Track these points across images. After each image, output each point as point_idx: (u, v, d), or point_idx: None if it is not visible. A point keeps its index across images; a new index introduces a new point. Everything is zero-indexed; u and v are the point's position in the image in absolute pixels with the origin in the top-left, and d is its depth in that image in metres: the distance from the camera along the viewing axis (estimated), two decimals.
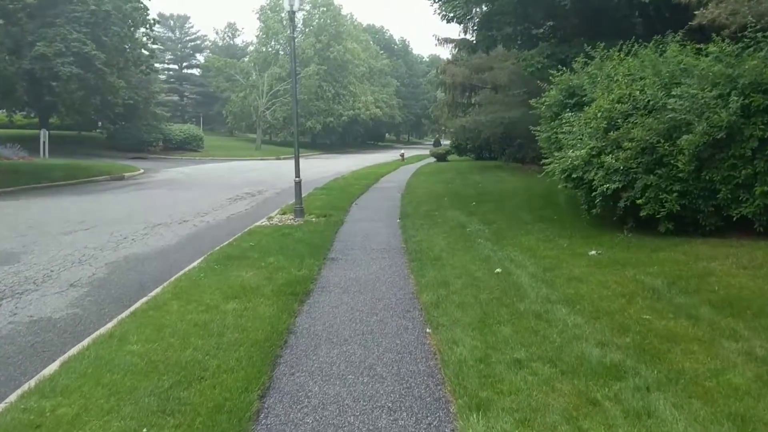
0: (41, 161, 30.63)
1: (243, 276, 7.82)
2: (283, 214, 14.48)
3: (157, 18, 25.00)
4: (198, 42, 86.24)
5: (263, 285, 7.33)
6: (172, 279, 7.87)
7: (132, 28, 23.42)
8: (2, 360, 5.45)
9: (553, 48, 13.95)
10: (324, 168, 35.16)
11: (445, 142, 56.29)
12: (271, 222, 13.34)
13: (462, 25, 28.02)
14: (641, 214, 8.99)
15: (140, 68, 24.84)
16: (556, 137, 10.81)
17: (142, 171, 30.60)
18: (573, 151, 9.65)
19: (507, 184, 19.85)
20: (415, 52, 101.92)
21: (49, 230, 12.40)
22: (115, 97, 26.72)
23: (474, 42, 15.70)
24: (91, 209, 15.87)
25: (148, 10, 24.16)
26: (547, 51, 13.87)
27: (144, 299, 7.02)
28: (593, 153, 9.38)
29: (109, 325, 5.96)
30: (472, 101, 29.45)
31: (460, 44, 29.91)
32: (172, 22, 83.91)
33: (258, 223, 13.21)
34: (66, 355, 5.10)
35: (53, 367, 4.87)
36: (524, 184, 19.53)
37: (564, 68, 11.41)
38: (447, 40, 30.34)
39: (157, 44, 27.24)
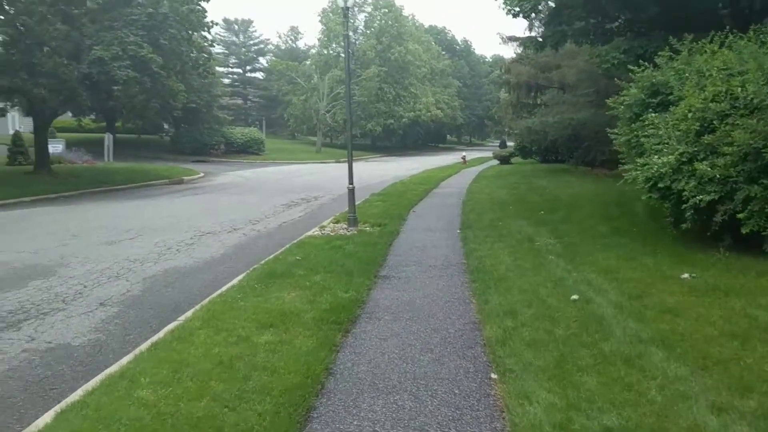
0: (104, 165, 31.11)
1: (284, 298, 7.02)
2: (337, 222, 13.71)
3: (215, 21, 24.74)
4: (261, 46, 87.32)
5: (304, 310, 6.50)
6: (206, 301, 7.14)
7: (189, 31, 23.20)
8: (2, 400, 4.79)
9: (630, 42, 12.66)
10: (383, 171, 34.37)
11: (509, 144, 54.73)
12: (323, 232, 12.58)
13: (528, 21, 26.81)
14: (743, 231, 7.71)
15: (198, 71, 24.62)
16: (637, 141, 9.60)
17: (201, 174, 30.61)
18: (659, 157, 8.44)
19: (576, 189, 18.50)
20: (477, 52, 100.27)
21: (93, 239, 12.00)
22: (175, 100, 26.59)
23: (541, 39, 14.52)
24: (143, 215, 15.53)
25: (205, 12, 23.94)
26: (623, 46, 12.58)
27: (171, 325, 6.30)
28: (683, 159, 8.14)
29: (124, 360, 5.23)
30: (538, 101, 28.06)
31: (526, 42, 28.57)
32: (236, 27, 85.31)
33: (309, 233, 12.47)
34: (65, 402, 4.38)
35: (47, 418, 4.15)
36: (595, 189, 18.14)
37: (646, 63, 10.16)
38: (512, 39, 29.08)
39: (215, 46, 26.86)
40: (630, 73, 10.28)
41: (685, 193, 7.96)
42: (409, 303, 7.10)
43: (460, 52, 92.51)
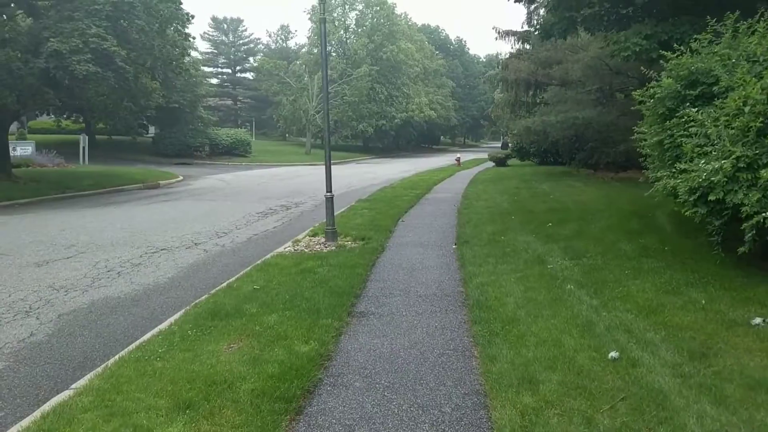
0: (75, 168, 29.20)
1: (220, 354, 5.22)
2: (314, 236, 11.91)
3: (191, 15, 22.77)
4: (251, 45, 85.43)
5: (242, 376, 4.70)
6: (114, 360, 5.31)
7: (161, 23, 21.32)
8: None
9: (652, 27, 10.91)
10: (373, 174, 32.57)
11: (498, 145, 53.01)
12: (297, 248, 10.77)
13: (527, 9, 25.07)
14: None
15: (170, 67, 22.72)
16: (672, 141, 7.85)
17: (180, 178, 28.76)
18: (706, 162, 6.67)
19: (584, 196, 16.73)
20: (471, 52, 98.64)
21: (23, 258, 10.14)
22: (149, 99, 24.67)
23: (547, 27, 12.75)
24: (96, 227, 13.67)
25: (180, 3, 22.07)
26: (645, 31, 10.84)
27: (55, 400, 4.50)
28: (741, 165, 6.37)
29: None
30: (537, 100, 26.33)
31: (524, 36, 26.90)
32: (225, 26, 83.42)
33: (280, 249, 10.68)
34: None
35: None
36: (604, 196, 16.38)
37: (681, 48, 8.40)
38: (509, 33, 27.36)
39: (189, 40, 24.91)
40: (663, 60, 8.52)
41: (745, 208, 6.18)
42: (390, 357, 5.31)
43: (454, 52, 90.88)
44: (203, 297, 7.37)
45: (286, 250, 10.68)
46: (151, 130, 51.22)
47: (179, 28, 22.27)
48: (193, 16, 23.01)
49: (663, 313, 5.95)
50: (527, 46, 26.56)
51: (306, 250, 10.59)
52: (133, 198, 20.44)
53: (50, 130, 46.20)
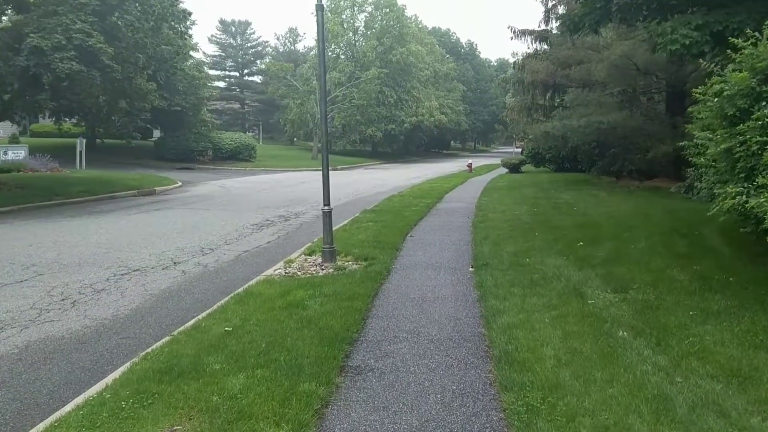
0: (69, 174, 27.84)
1: None
2: (310, 254, 10.45)
3: (188, 11, 21.40)
4: (259, 48, 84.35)
5: None
6: None
7: (156, 20, 19.96)
8: None
9: (703, 17, 9.38)
10: (381, 181, 31.11)
11: (519, 150, 51.46)
12: (288, 270, 9.31)
13: (545, 6, 23.55)
14: None
15: (164, 67, 21.34)
16: (747, 150, 6.31)
17: (179, 184, 27.37)
18: None
19: (612, 207, 15.18)
20: (482, 56, 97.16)
21: None
22: (144, 101, 23.32)
23: (576, 19, 11.21)
24: (68, 241, 12.25)
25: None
26: (695, 21, 9.32)
27: None
28: None
29: None
30: (555, 103, 24.77)
31: (541, 36, 25.39)
32: (233, 28, 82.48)
33: (269, 272, 9.23)
34: None
35: None
36: (635, 208, 14.83)
37: (757, 34, 6.86)
38: (525, 33, 25.84)
39: (186, 39, 23.53)
40: (732, 50, 6.98)
41: None
42: None
43: (465, 55, 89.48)
44: (161, 342, 5.90)
45: (276, 272, 9.21)
46: (156, 133, 50.12)
47: (174, 25, 20.86)
48: (190, 13, 21.64)
49: (762, 382, 4.42)
50: (545, 46, 25.02)
51: (299, 273, 9.13)
52: (123, 206, 19.05)
53: (52, 134, 45.05)
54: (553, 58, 21.78)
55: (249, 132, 78.26)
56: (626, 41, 17.96)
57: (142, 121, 46.87)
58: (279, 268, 9.49)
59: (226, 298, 7.57)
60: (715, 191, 7.28)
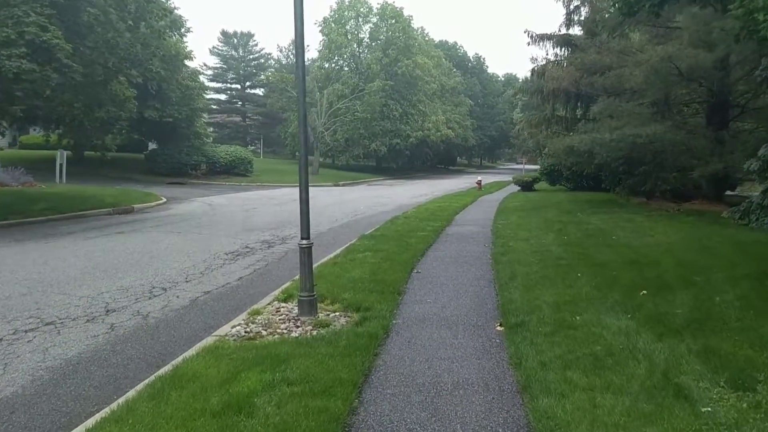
0: (42, 189, 25.43)
1: None
2: (286, 300, 7.98)
3: (175, 5, 19.16)
4: (262, 60, 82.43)
5: None
6: None
7: (134, 19, 17.64)
8: None
9: None
10: (385, 198, 28.68)
11: (529, 167, 49.01)
12: (250, 327, 6.84)
13: (566, 9, 21.22)
14: None
15: (139, 70, 18.96)
16: None
17: (163, 201, 24.96)
18: None
19: (659, 237, 12.65)
20: (489, 71, 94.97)
21: None
22: (122, 109, 20.95)
23: (632, 1, 8.77)
24: None
25: None
26: None
27: None
28: None
29: None
30: (577, 114, 22.32)
31: (563, 41, 23.00)
32: (235, 40, 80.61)
33: (223, 330, 6.77)
34: None
35: None
36: (689, 238, 12.32)
37: None
38: (544, 37, 23.47)
39: (166, 39, 21.14)
40: None
41: None
42: None
43: (472, 69, 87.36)
44: None
45: (234, 330, 6.73)
46: (151, 146, 47.81)
47: (153, 23, 18.51)
48: (171, 11, 19.39)
49: None
50: (566, 53, 22.61)
51: (263, 333, 6.64)
52: (87, 227, 16.59)
53: (42, 146, 42.70)
54: (578, 63, 19.35)
55: (250, 146, 76.19)
56: (666, 44, 15.57)
57: (137, 134, 44.67)
58: (239, 324, 6.99)
59: (140, 386, 5.07)
60: None
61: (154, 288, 9.23)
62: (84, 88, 16.98)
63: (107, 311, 7.83)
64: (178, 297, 8.73)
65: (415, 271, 10.22)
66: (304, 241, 7.24)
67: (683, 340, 5.75)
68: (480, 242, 13.56)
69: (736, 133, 17.70)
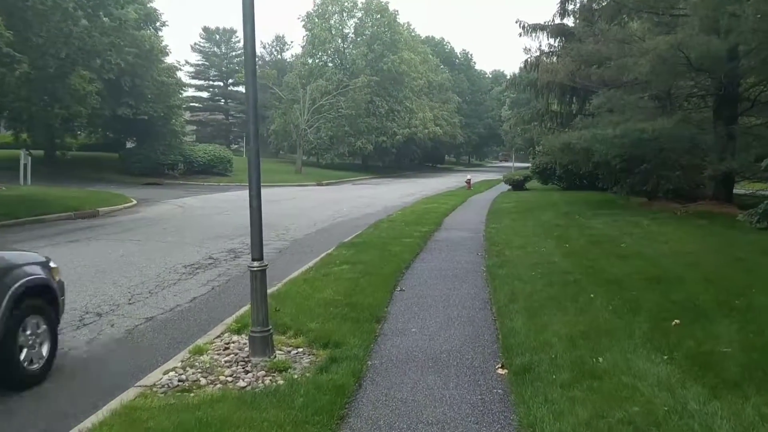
0: (3, 191, 23.77)
1: None
2: (239, 331, 6.56)
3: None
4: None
5: None
6: None
7: (93, 6, 16.06)
8: None
9: None
10: (370, 199, 27.23)
11: (519, 165, 47.76)
12: (188, 372, 5.41)
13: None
14: None
15: (94, 62, 17.32)
16: None
17: (133, 203, 23.37)
18: None
19: (673, 244, 11.30)
20: (477, 68, 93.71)
21: None
22: (81, 104, 19.33)
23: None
24: None
25: None
26: None
27: None
28: None
29: None
30: (572, 109, 21.00)
31: (558, 31, 21.64)
32: (217, 36, 78.58)
33: (151, 379, 5.34)
34: None
35: None
36: (707, 246, 11.00)
37: None
38: (537, 27, 22.09)
39: (125, 29, 19.40)
40: None
41: None
42: None
43: (460, 66, 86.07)
44: None
45: (165, 379, 5.27)
46: (129, 145, 46.00)
47: (112, 10, 16.93)
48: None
49: None
50: (560, 44, 21.26)
51: (202, 382, 5.21)
52: (39, 235, 15.01)
53: (12, 146, 40.79)
54: (574, 54, 17.98)
55: (233, 144, 74.44)
56: (675, 32, 14.25)
57: (112, 132, 42.84)
58: (174, 368, 5.53)
59: None
60: None
61: (86, 313, 7.75)
62: (37, 81, 15.35)
63: None
64: (112, 326, 7.24)
65: (399, 289, 8.80)
66: (256, 264, 5.76)
67: (747, 398, 4.35)
68: (472, 251, 12.16)
69: (747, 129, 16.44)
